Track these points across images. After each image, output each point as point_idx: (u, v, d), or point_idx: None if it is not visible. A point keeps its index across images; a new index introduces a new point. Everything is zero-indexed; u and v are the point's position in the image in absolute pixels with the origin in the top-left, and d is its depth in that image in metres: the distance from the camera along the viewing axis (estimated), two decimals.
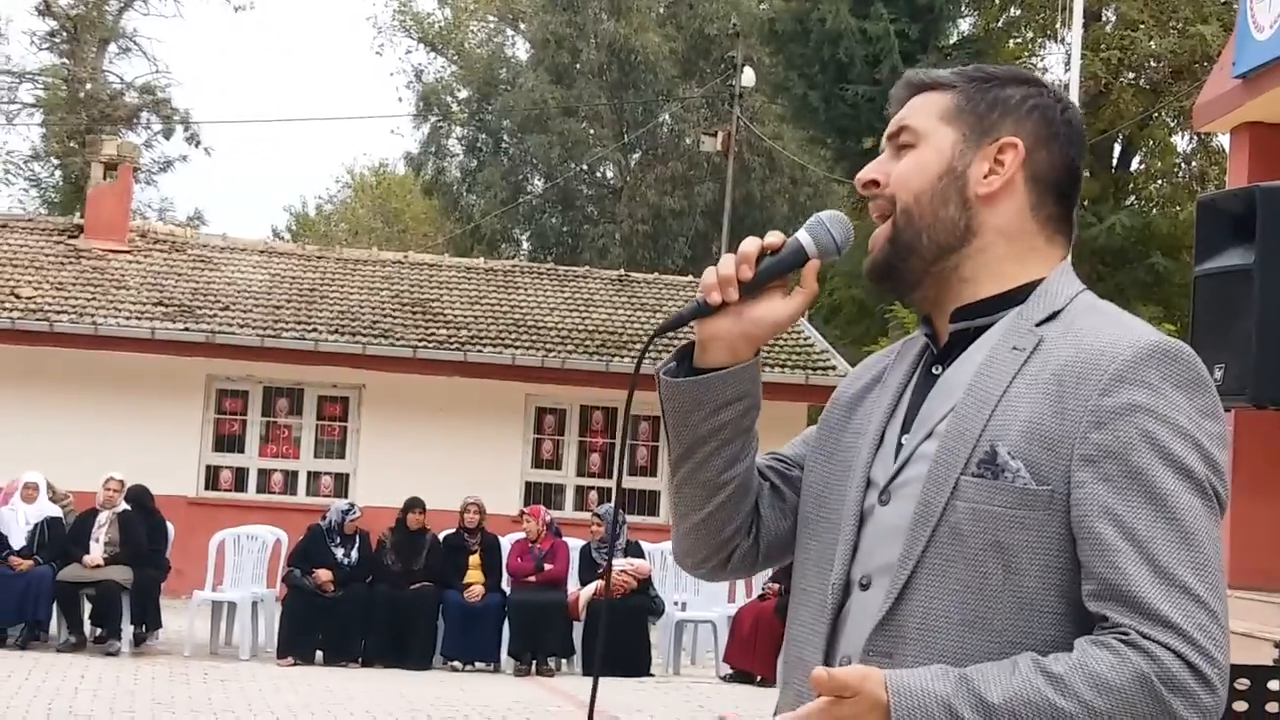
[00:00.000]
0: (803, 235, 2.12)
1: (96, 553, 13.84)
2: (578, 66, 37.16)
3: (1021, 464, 1.91)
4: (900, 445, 2.07)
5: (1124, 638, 1.80)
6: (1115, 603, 1.83)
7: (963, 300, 2.08)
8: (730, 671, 14.04)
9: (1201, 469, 1.88)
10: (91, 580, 13.70)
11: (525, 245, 41.30)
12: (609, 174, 40.20)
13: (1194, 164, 29.14)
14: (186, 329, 19.97)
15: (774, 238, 2.13)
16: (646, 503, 21.33)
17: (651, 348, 2.14)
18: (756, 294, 2.12)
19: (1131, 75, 26.44)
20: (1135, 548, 1.83)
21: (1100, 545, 1.85)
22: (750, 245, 2.11)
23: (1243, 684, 3.73)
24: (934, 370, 2.09)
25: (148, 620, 14.09)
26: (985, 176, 2.07)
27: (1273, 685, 3.73)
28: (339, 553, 14.16)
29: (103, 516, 14.08)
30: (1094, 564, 1.85)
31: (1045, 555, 1.90)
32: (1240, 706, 3.75)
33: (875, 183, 2.11)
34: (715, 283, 2.10)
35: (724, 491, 2.19)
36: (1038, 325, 2.01)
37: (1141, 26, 25.69)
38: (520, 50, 42.30)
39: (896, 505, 2.02)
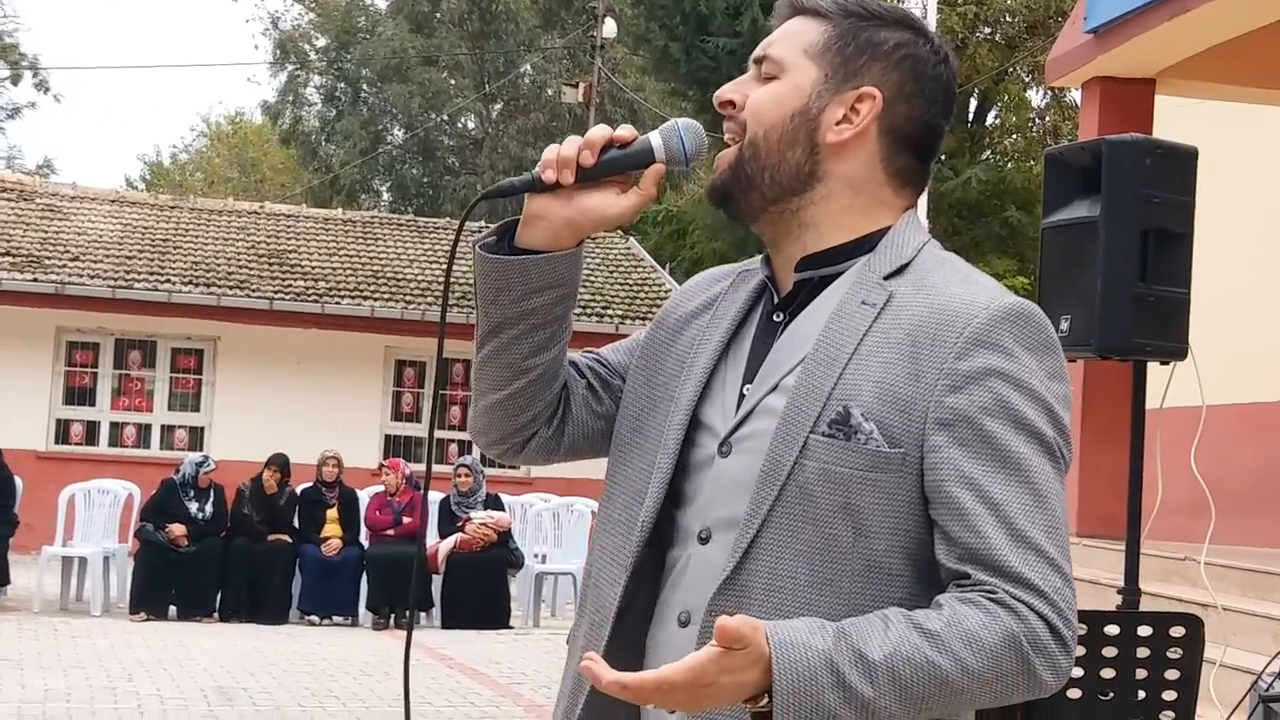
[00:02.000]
0: (654, 136, 2.06)
1: None
2: (438, 15, 36.88)
3: (875, 426, 1.88)
4: (743, 396, 2.02)
5: (993, 596, 1.80)
6: (976, 565, 1.82)
7: (807, 248, 2.04)
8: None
9: (1051, 432, 1.88)
10: None
11: (385, 196, 41.00)
12: (470, 124, 39.99)
13: (1048, 118, 29.57)
14: (35, 279, 19.66)
15: (625, 131, 2.06)
16: None
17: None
18: (593, 184, 2.04)
19: (987, 30, 26.76)
20: (992, 512, 1.83)
21: (958, 510, 1.84)
22: (597, 133, 2.04)
23: (1080, 628, 3.80)
24: (775, 318, 2.05)
25: None
26: (838, 124, 2.00)
27: (1110, 630, 3.81)
28: (193, 506, 14.00)
29: None
30: (952, 528, 1.85)
31: (895, 517, 1.88)
32: (1079, 650, 3.82)
33: (732, 103, 2.04)
34: (554, 160, 2.03)
35: (527, 376, 2.14)
36: (886, 278, 1.97)
37: None
38: None
39: (739, 459, 1.98)
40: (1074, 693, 3.83)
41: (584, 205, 2.05)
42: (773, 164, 2.01)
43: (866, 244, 2.02)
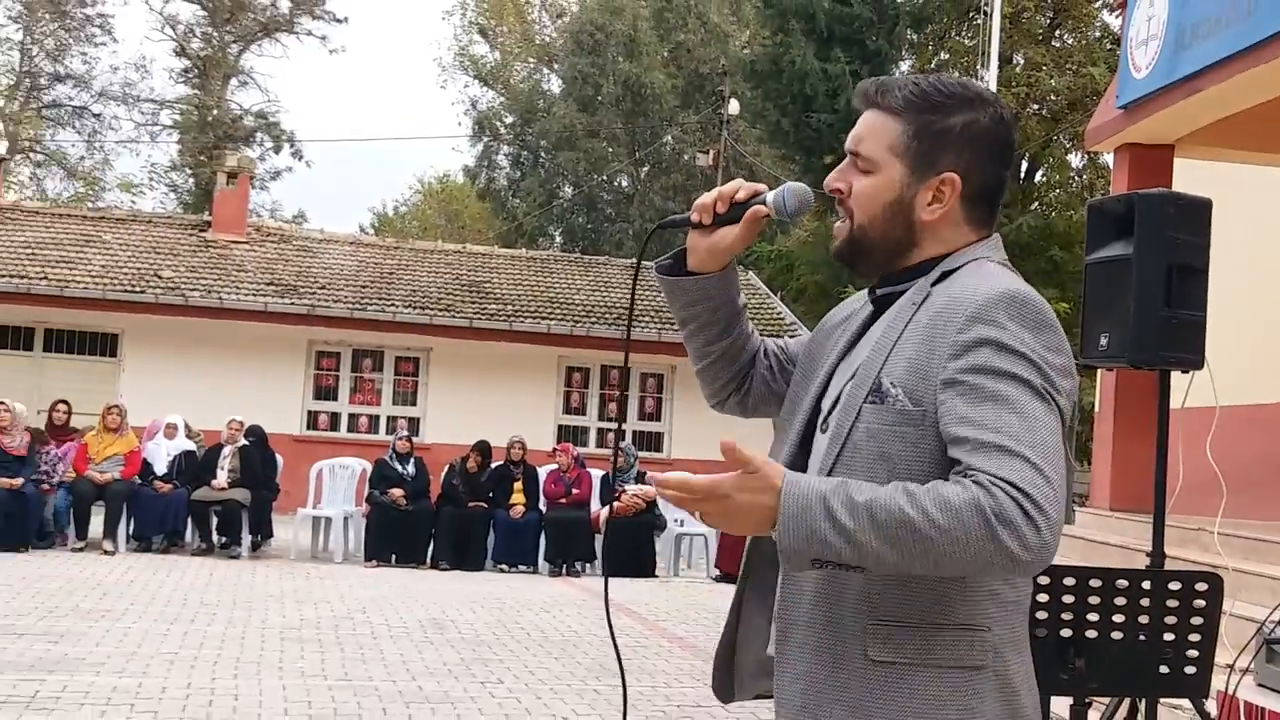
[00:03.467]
0: (770, 194, 2.13)
1: (222, 478, 13.88)
2: (599, 98, 36.99)
3: (901, 390, 1.89)
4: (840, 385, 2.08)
5: (971, 475, 1.77)
6: (969, 467, 1.79)
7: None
8: (718, 574, 14.07)
9: (1040, 382, 1.83)
10: (218, 500, 13.76)
11: (558, 239, 41.16)
12: (624, 183, 40.06)
13: (1084, 176, 28.99)
14: (292, 303, 20.02)
15: (746, 191, 2.13)
16: (653, 441, 21.34)
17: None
18: (726, 224, 2.15)
19: (1036, 106, 26.29)
20: (982, 433, 1.79)
21: (958, 439, 1.82)
22: (729, 188, 2.14)
23: (1122, 583, 3.73)
24: (870, 328, 2.09)
25: (262, 531, 14.17)
26: (929, 204, 2.01)
27: (1145, 585, 3.73)
28: (399, 468, 14.19)
29: (227, 449, 14.12)
30: (955, 453, 1.82)
31: (920, 461, 1.88)
32: (1120, 601, 3.75)
33: (840, 190, 2.07)
34: (702, 205, 2.15)
35: (708, 358, 2.29)
36: (933, 284, 1.99)
37: (1044, 68, 25.56)
38: (554, 85, 42.14)
39: (829, 433, 2.02)
40: (1117, 634, 3.75)
41: (716, 238, 2.16)
42: (878, 240, 2.05)
43: (933, 263, 2.04)
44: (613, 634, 2.20)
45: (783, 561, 1.82)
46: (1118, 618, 3.75)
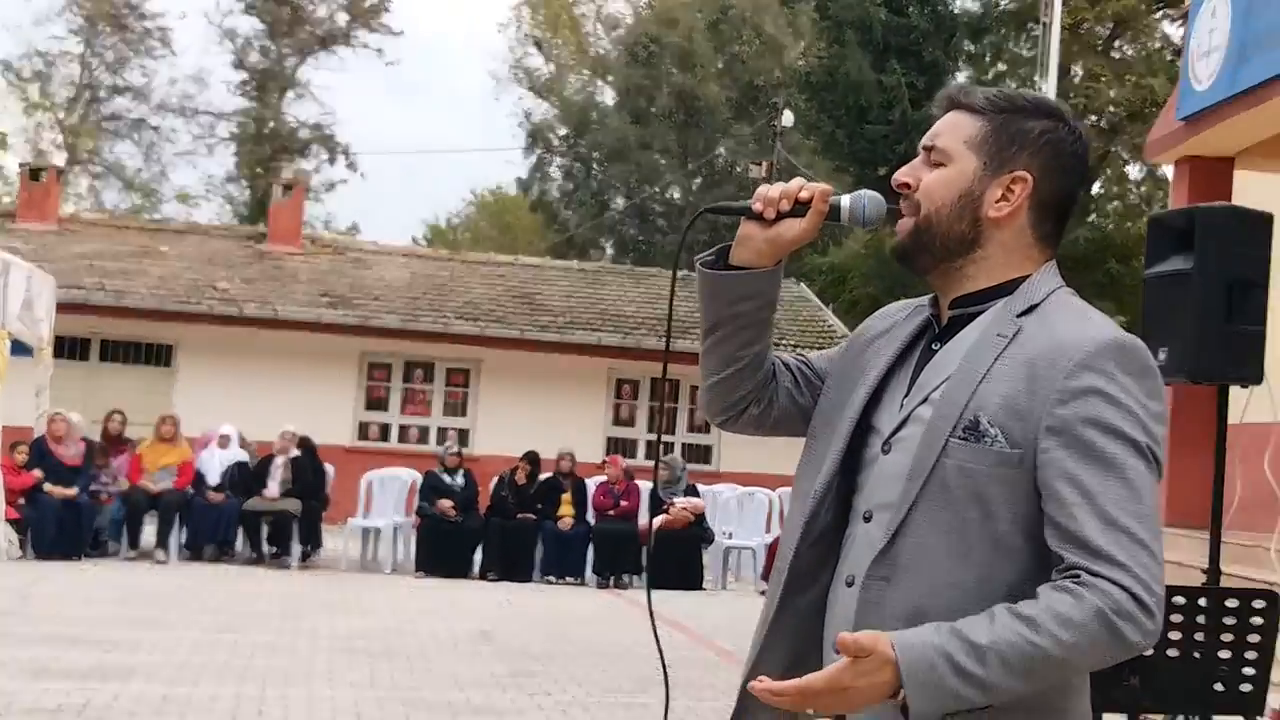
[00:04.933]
0: (845, 199, 2.07)
1: (274, 488, 14.00)
2: (653, 110, 37.09)
3: (999, 431, 1.86)
4: (902, 406, 2.02)
5: (1077, 580, 1.77)
6: (1073, 545, 1.79)
7: (962, 291, 2.03)
8: (766, 587, 14.01)
9: (1143, 439, 1.83)
10: (270, 510, 13.87)
11: (609, 250, 41.27)
12: (676, 195, 40.10)
13: (1142, 189, 28.78)
14: (345, 315, 20.16)
15: (809, 191, 2.06)
16: (703, 454, 21.32)
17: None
18: (789, 218, 2.07)
19: (1094, 118, 26.13)
20: (1088, 501, 1.79)
21: (1060, 500, 1.81)
22: (793, 185, 2.07)
23: (1179, 600, 3.69)
24: (934, 346, 2.04)
25: (312, 541, 14.23)
26: (997, 202, 1.99)
27: (1201, 602, 3.70)
28: (448, 480, 14.24)
29: (278, 460, 14.22)
30: (1055, 514, 1.82)
31: (1015, 504, 1.86)
32: (1176, 618, 3.71)
33: (907, 185, 2.04)
34: (766, 197, 2.07)
35: (737, 364, 2.17)
36: (1018, 316, 1.95)
37: (1103, 79, 25.40)
38: (608, 97, 42.27)
39: (895, 456, 1.98)
40: (1173, 652, 3.71)
41: (777, 232, 2.08)
42: (943, 233, 2.01)
43: (1008, 288, 2.00)
44: (659, 644, 2.19)
45: None
46: (1173, 635, 3.72)
